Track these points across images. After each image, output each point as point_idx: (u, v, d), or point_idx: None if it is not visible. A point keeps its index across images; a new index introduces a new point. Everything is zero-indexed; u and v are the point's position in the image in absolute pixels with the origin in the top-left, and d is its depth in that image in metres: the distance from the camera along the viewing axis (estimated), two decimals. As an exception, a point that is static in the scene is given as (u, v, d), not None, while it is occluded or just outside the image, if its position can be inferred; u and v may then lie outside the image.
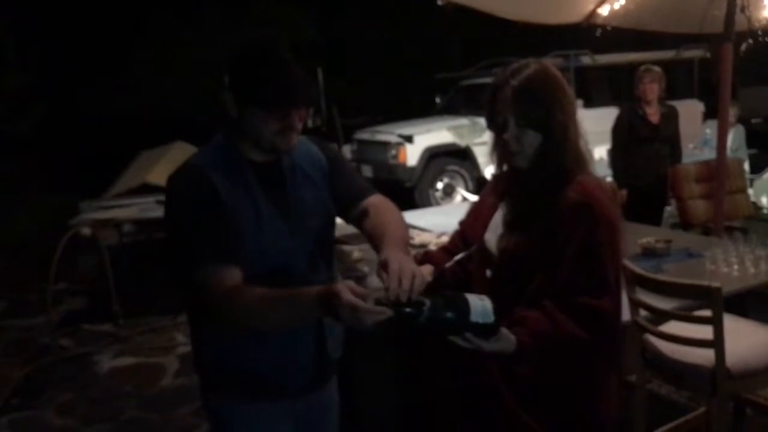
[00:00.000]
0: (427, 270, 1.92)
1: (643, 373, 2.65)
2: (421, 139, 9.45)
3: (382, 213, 1.90)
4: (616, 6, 4.74)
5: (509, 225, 1.85)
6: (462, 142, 9.62)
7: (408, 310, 1.51)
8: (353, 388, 2.13)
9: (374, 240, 1.83)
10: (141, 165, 7.22)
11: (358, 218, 1.94)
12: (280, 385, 1.88)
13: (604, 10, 4.84)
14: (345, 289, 1.50)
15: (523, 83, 1.76)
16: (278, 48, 1.76)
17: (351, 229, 2.07)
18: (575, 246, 1.69)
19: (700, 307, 2.45)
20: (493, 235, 1.90)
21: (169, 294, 5.83)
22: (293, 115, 1.74)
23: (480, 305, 1.59)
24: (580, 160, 1.82)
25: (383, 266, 1.61)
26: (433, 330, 1.58)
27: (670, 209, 5.81)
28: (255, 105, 1.72)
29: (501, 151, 1.86)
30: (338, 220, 2.01)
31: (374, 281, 1.92)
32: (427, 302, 1.52)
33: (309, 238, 1.86)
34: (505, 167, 1.93)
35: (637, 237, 3.43)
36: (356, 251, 3.19)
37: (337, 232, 2.10)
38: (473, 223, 2.03)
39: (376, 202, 1.95)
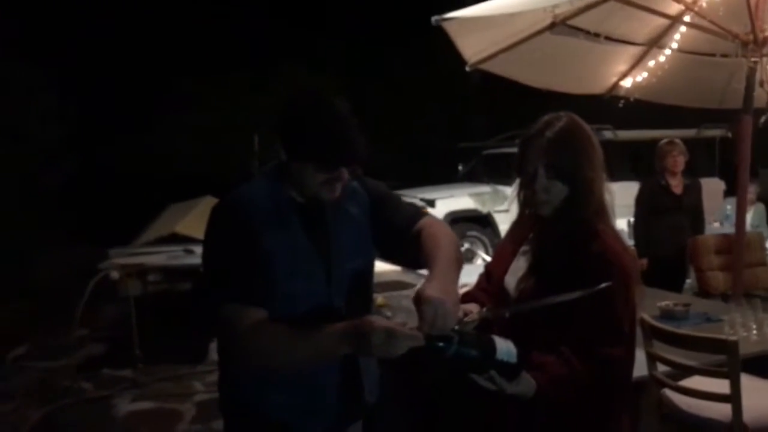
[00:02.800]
0: (474, 308, 1.94)
1: (661, 428, 2.67)
2: (443, 204, 9.57)
3: (433, 236, 1.85)
4: (639, 79, 4.91)
5: (530, 269, 1.91)
6: (483, 209, 9.73)
7: (439, 343, 1.57)
8: (371, 429, 2.15)
9: (426, 266, 1.79)
10: (170, 216, 7.38)
11: (412, 245, 1.87)
12: (294, 430, 1.85)
13: (626, 83, 5.01)
14: (377, 317, 1.57)
15: (556, 135, 1.84)
16: (333, 100, 1.74)
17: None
18: (591, 295, 1.71)
19: (717, 365, 2.49)
20: (513, 278, 1.95)
21: (189, 343, 5.98)
22: (342, 170, 1.74)
23: (505, 346, 1.66)
24: (601, 212, 1.89)
25: (420, 299, 1.61)
26: (459, 364, 1.63)
27: (690, 281, 5.83)
28: (304, 160, 1.72)
29: (526, 197, 1.93)
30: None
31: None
32: (456, 337, 1.59)
33: (347, 279, 1.85)
34: (527, 213, 2.01)
35: (656, 301, 3.47)
36: (380, 297, 3.26)
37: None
38: (496, 265, 2.09)
39: (427, 224, 1.92)
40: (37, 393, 5.27)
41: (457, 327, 1.63)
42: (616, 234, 1.91)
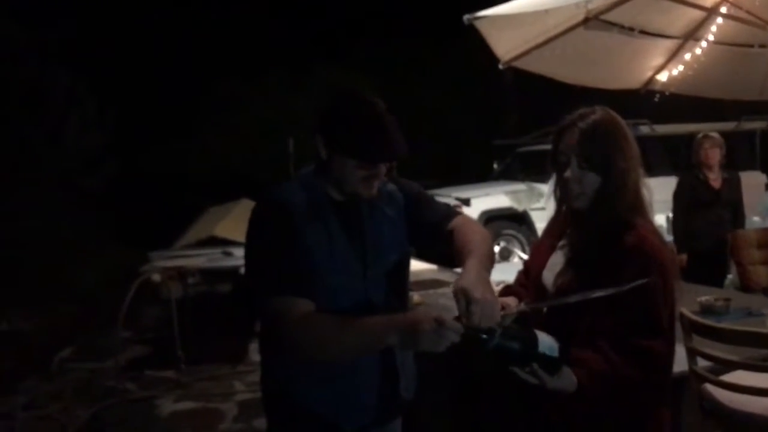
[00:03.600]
0: (512, 301, 1.97)
1: (702, 423, 2.64)
2: (479, 203, 9.55)
3: (465, 233, 1.91)
4: (675, 72, 4.86)
5: (567, 264, 1.92)
6: (519, 207, 9.68)
7: (482, 335, 1.60)
8: (408, 427, 2.17)
9: (459, 262, 1.84)
10: (209, 219, 7.50)
11: (445, 243, 1.94)
12: (335, 425, 1.89)
13: (662, 77, 4.96)
14: (425, 309, 1.60)
15: (589, 126, 1.86)
16: (374, 99, 1.81)
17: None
18: (630, 289, 1.72)
19: (759, 360, 2.46)
20: (550, 273, 1.96)
21: (230, 344, 6.08)
22: (381, 166, 1.81)
23: (547, 340, 1.68)
24: (639, 206, 1.89)
25: (461, 292, 1.65)
26: (501, 357, 1.65)
27: (731, 277, 5.74)
28: (347, 155, 1.77)
29: (562, 192, 1.94)
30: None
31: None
32: (499, 330, 1.62)
33: (383, 277, 1.90)
34: (564, 208, 2.02)
35: (696, 297, 3.42)
36: (416, 295, 3.28)
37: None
38: (534, 260, 2.11)
39: (460, 223, 1.98)
40: (83, 394, 5.41)
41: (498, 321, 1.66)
42: (654, 229, 1.90)
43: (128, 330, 6.71)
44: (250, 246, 1.86)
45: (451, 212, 2.04)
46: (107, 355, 5.96)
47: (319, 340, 1.71)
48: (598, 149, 1.85)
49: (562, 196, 1.96)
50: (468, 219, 2.03)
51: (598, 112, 1.89)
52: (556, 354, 1.67)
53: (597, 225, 1.87)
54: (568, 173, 1.87)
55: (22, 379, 5.74)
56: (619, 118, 1.92)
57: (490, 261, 1.84)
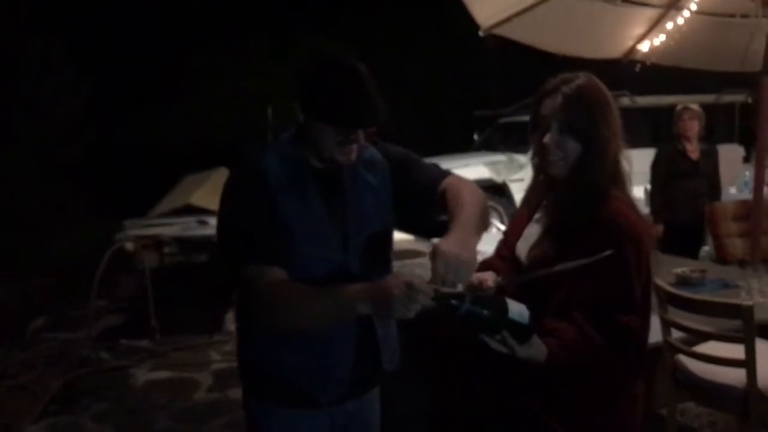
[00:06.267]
0: (489, 276, 1.92)
1: (675, 393, 2.65)
2: (458, 173, 9.50)
3: (455, 196, 1.85)
4: (656, 42, 4.80)
5: (541, 236, 1.89)
6: (499, 178, 9.66)
7: (452, 300, 1.57)
8: (386, 396, 2.16)
9: (449, 223, 1.78)
10: (185, 188, 7.42)
11: (439, 205, 1.88)
12: (310, 395, 1.87)
13: (644, 47, 4.90)
14: (395, 274, 1.56)
15: (573, 91, 1.81)
16: (355, 63, 1.74)
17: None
18: (603, 262, 1.68)
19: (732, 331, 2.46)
20: (525, 244, 1.93)
21: (206, 314, 6.03)
22: (359, 132, 1.75)
23: (517, 307, 1.65)
24: (617, 177, 1.85)
25: (436, 252, 1.62)
26: (471, 323, 1.62)
27: (707, 249, 5.77)
28: (322, 120, 1.72)
29: (540, 158, 1.89)
30: None
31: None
32: (469, 296, 1.58)
33: (365, 247, 1.86)
34: (541, 177, 1.98)
35: (672, 268, 3.43)
36: (398, 266, 3.25)
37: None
38: (511, 231, 2.07)
39: (451, 183, 1.91)
40: (56, 363, 5.35)
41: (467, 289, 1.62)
42: (630, 201, 1.86)
43: (104, 299, 6.63)
44: (222, 212, 1.82)
45: (442, 173, 1.97)
46: (82, 325, 5.90)
47: (289, 307, 1.68)
48: (582, 115, 1.80)
49: (540, 162, 1.92)
50: (460, 179, 1.96)
51: (582, 78, 1.85)
52: (526, 321, 1.64)
53: (574, 194, 1.83)
54: (547, 138, 1.82)
55: (-5, 348, 5.68)
56: (602, 85, 1.87)
57: (480, 220, 1.79)
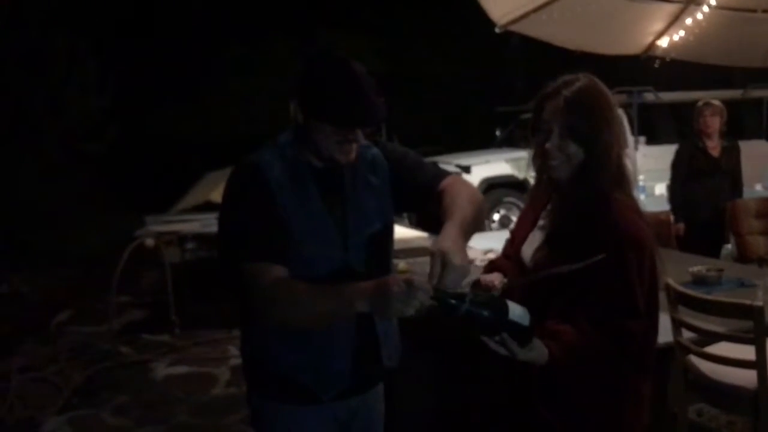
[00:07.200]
0: (496, 278, 1.92)
1: (686, 394, 2.63)
2: (479, 170, 9.48)
3: (452, 196, 1.85)
4: (676, 38, 4.76)
5: (545, 240, 1.87)
6: (520, 175, 9.60)
7: (452, 300, 1.57)
8: (390, 394, 2.17)
9: (443, 223, 1.79)
10: (206, 184, 7.48)
11: (436, 205, 1.88)
12: (312, 391, 1.88)
13: (663, 42, 4.86)
14: (394, 275, 1.58)
15: (574, 94, 1.79)
16: (351, 62, 1.75)
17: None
18: (604, 266, 1.67)
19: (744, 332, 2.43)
20: (529, 247, 1.92)
21: (225, 309, 6.07)
22: (358, 131, 1.76)
23: (518, 309, 1.64)
24: (620, 180, 1.83)
25: (440, 254, 1.62)
26: (471, 324, 1.62)
27: (729, 247, 5.69)
28: (320, 120, 1.73)
29: (541, 162, 1.88)
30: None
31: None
32: (469, 296, 1.59)
33: (365, 246, 1.87)
34: (545, 177, 1.96)
35: (690, 267, 3.39)
36: (402, 263, 3.26)
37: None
38: (517, 232, 2.05)
39: (448, 184, 1.91)
40: (79, 356, 5.44)
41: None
42: (633, 204, 1.85)
43: (126, 294, 6.75)
44: (223, 211, 1.85)
45: (441, 173, 1.97)
46: (105, 319, 5.98)
47: (289, 305, 1.69)
48: (584, 119, 1.78)
49: (541, 166, 1.90)
50: (459, 180, 1.96)
51: (583, 80, 1.82)
52: (526, 323, 1.64)
53: (577, 199, 1.82)
54: (549, 144, 1.81)
55: (20, 341, 5.78)
56: (604, 86, 1.85)
57: (473, 223, 1.79)
